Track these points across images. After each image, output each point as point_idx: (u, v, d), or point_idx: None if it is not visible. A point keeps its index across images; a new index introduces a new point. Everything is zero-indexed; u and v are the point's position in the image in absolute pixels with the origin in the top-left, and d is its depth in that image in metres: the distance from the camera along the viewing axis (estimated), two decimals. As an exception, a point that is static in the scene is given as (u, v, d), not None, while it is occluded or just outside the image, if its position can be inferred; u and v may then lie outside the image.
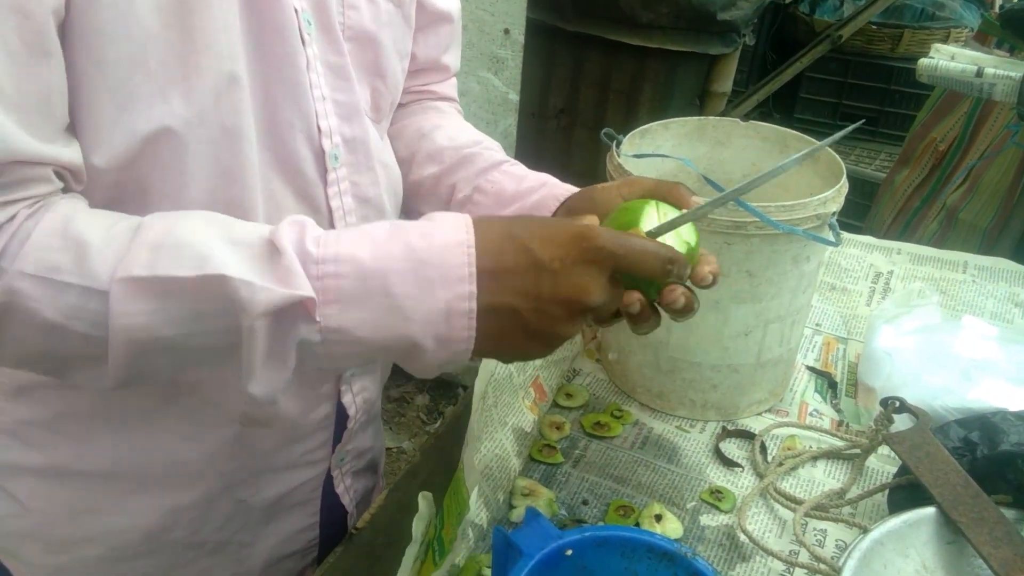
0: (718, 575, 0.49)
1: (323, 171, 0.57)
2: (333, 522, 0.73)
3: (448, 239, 0.45)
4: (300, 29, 0.53)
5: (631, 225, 0.51)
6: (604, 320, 0.51)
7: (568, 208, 0.61)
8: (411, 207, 0.72)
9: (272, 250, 0.44)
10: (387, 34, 0.61)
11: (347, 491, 0.73)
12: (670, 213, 0.53)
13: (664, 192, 0.55)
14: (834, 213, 0.73)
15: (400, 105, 0.76)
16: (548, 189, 0.63)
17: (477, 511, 0.65)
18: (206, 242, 0.44)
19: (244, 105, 0.50)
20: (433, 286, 0.44)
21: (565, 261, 0.45)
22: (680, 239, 0.52)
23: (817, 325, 0.96)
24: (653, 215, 0.52)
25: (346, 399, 0.66)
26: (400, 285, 0.44)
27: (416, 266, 0.44)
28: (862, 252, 1.09)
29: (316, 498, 0.70)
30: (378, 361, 0.51)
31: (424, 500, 0.58)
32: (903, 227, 1.54)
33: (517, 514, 0.67)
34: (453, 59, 0.78)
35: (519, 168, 0.68)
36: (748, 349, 0.77)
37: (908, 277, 1.04)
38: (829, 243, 0.71)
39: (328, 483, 0.70)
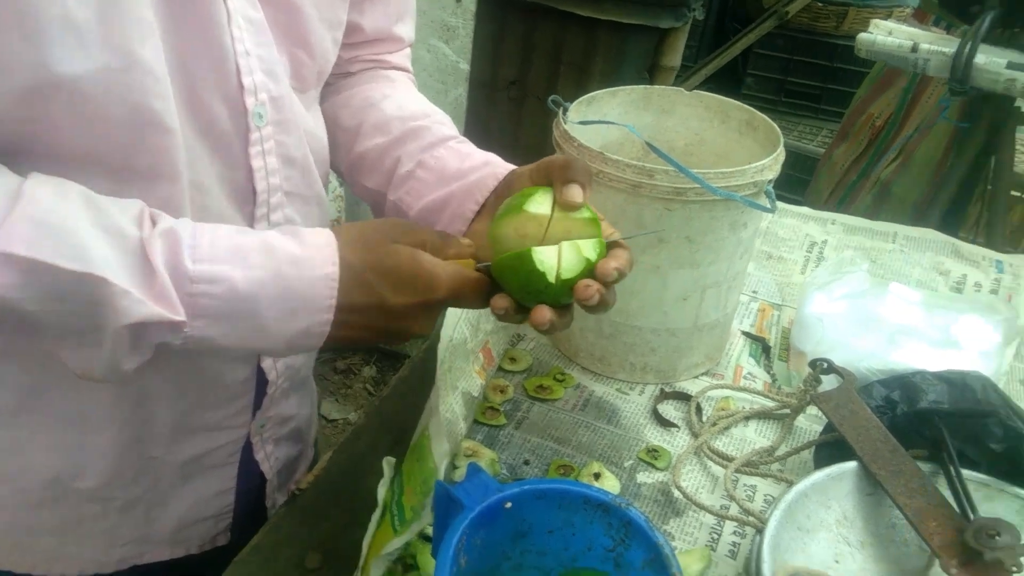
0: (650, 523, 0.51)
1: (244, 129, 0.55)
2: (249, 488, 0.72)
3: (316, 272, 0.50)
4: None
5: (515, 211, 0.55)
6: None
7: (496, 193, 0.63)
8: (354, 179, 0.71)
9: (145, 262, 0.46)
10: (310, 1, 0.60)
11: (267, 458, 0.72)
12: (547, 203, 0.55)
13: (559, 173, 0.57)
14: (770, 181, 0.76)
15: (350, 74, 0.75)
16: (490, 168, 0.64)
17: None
18: (87, 232, 0.44)
19: (161, 52, 0.48)
20: (296, 313, 0.50)
21: (408, 308, 0.52)
22: (580, 255, 0.53)
23: (754, 292, 0.99)
24: (538, 202, 0.55)
25: (266, 364, 0.65)
26: (267, 310, 0.49)
27: (283, 294, 0.49)
28: (798, 222, 1.12)
29: (233, 463, 0.69)
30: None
31: (387, 465, 0.59)
32: (840, 200, 1.59)
33: (460, 473, 0.68)
34: (406, 30, 0.77)
35: (466, 145, 0.68)
36: (686, 314, 0.80)
37: (841, 247, 1.08)
38: (765, 209, 0.74)
39: (247, 449, 0.70)
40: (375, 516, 0.57)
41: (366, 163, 0.69)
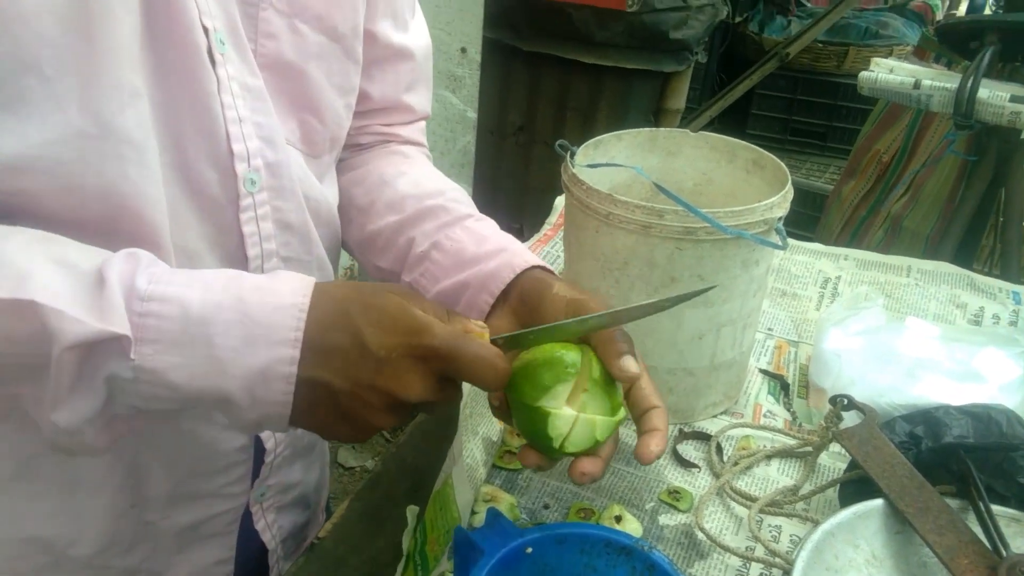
0: (674, 567, 0.50)
1: (234, 195, 0.54)
2: (250, 558, 0.69)
3: (283, 300, 0.45)
4: (211, 49, 0.50)
5: (553, 361, 0.49)
6: (439, 412, 0.51)
7: (520, 293, 0.58)
8: (366, 259, 0.69)
9: (98, 280, 0.43)
10: (317, 67, 0.59)
11: (268, 527, 0.69)
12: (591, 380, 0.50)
13: (601, 340, 0.52)
14: (780, 218, 0.76)
15: (360, 146, 0.73)
16: (507, 257, 0.60)
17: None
18: (32, 263, 0.42)
19: (145, 120, 0.48)
20: (256, 344, 0.43)
21: (392, 351, 0.45)
22: (591, 434, 0.49)
23: (769, 329, 0.98)
24: (572, 362, 0.50)
25: (264, 432, 0.63)
26: (222, 336, 0.43)
27: (242, 319, 0.44)
28: (811, 259, 1.12)
29: (232, 532, 0.66)
30: (194, 408, 0.48)
31: (410, 514, 0.58)
32: (851, 236, 1.59)
33: (479, 519, 0.68)
34: (418, 100, 0.74)
35: (483, 225, 0.64)
36: (702, 352, 0.79)
37: (855, 282, 1.07)
38: (776, 246, 0.74)
39: (248, 517, 0.67)
40: (400, 567, 0.56)
41: (379, 242, 0.66)
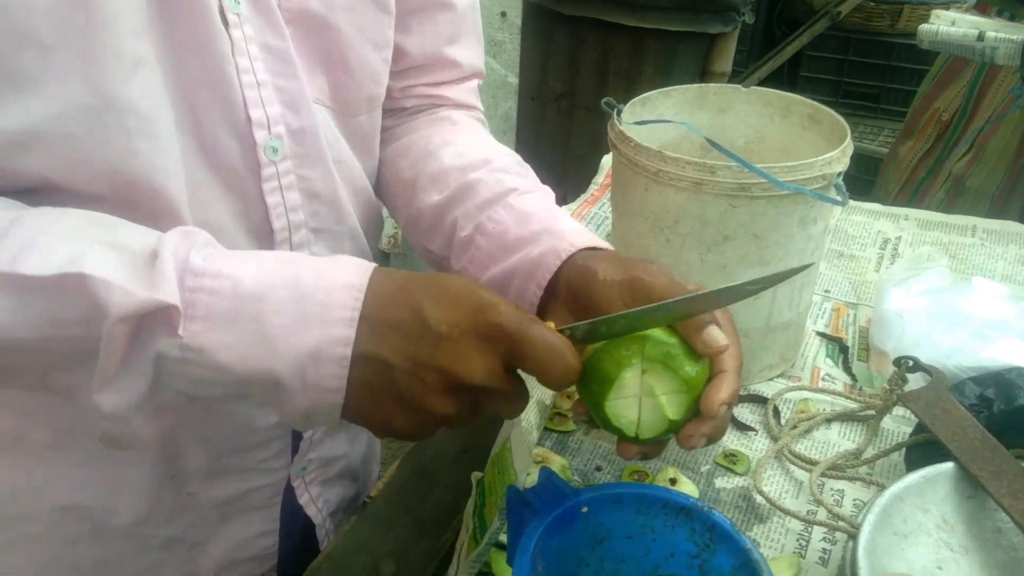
0: (736, 527, 0.48)
1: (255, 164, 0.51)
2: (294, 532, 0.68)
3: (339, 280, 0.43)
4: (222, 9, 0.48)
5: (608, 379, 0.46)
6: (503, 410, 0.46)
7: (568, 284, 0.53)
8: (416, 240, 0.65)
9: (151, 256, 0.41)
10: (347, 19, 0.55)
11: (313, 501, 0.68)
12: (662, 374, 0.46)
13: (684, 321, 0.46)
14: (839, 173, 0.72)
15: (405, 110, 0.69)
16: (551, 241, 0.54)
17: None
18: (82, 242, 0.41)
19: (155, 89, 0.45)
20: (308, 322, 0.41)
21: (453, 327, 0.42)
22: (662, 414, 0.46)
23: (826, 292, 0.95)
24: (635, 375, 0.46)
25: None
26: (274, 314, 0.41)
27: (296, 298, 0.41)
28: (869, 219, 1.08)
29: (274, 505, 0.65)
30: (247, 397, 0.44)
31: (473, 480, 0.58)
32: (909, 198, 1.53)
33: (531, 480, 0.67)
34: (465, 55, 0.68)
35: (528, 200, 0.59)
36: (758, 313, 0.77)
37: (916, 242, 1.03)
38: (836, 202, 0.71)
39: (290, 491, 0.66)
40: (463, 532, 0.56)
41: (424, 223, 0.63)
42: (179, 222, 0.48)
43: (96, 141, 0.44)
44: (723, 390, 0.45)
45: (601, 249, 0.55)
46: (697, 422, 0.47)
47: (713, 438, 0.47)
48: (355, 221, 0.62)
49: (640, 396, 0.45)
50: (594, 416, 0.48)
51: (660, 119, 0.83)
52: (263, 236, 0.54)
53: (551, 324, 0.46)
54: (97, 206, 0.45)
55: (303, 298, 0.41)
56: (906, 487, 0.58)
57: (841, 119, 0.78)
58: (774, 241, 0.72)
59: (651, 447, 0.48)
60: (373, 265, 0.45)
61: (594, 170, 1.17)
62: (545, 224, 0.56)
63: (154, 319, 0.40)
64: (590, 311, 0.50)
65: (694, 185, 0.70)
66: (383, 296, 0.42)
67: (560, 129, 2.34)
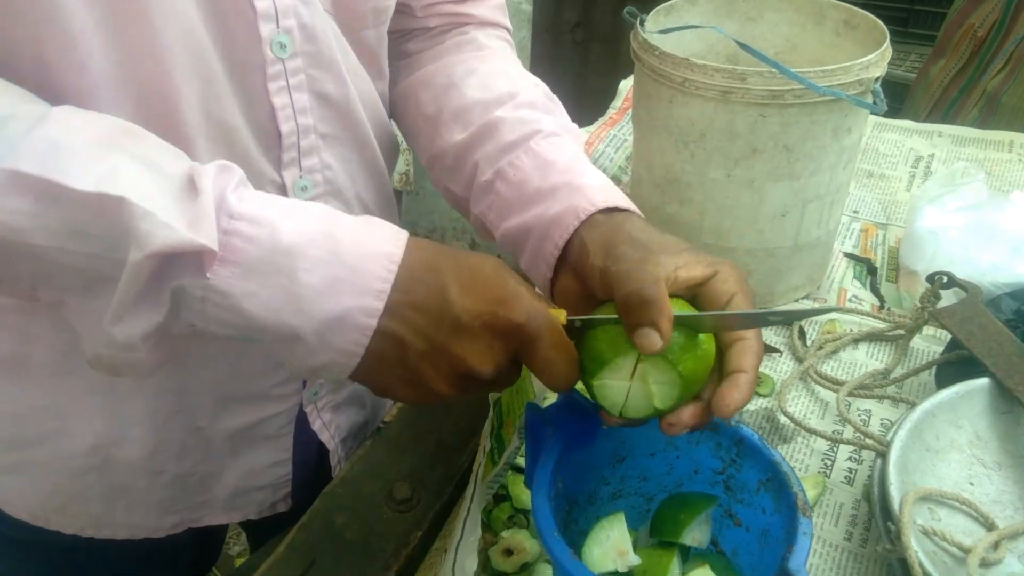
0: (764, 442, 0.46)
1: (260, 60, 0.48)
2: (308, 460, 0.67)
3: (375, 247, 0.41)
4: None
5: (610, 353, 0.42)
6: (497, 389, 0.48)
7: (578, 250, 0.48)
8: (438, 180, 0.61)
9: (189, 187, 0.39)
10: None
11: (326, 427, 0.66)
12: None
13: (632, 311, 0.41)
14: (878, 78, 0.68)
15: (431, 32, 0.64)
16: (573, 197, 0.50)
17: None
18: (115, 156, 0.38)
19: None
20: (340, 288, 0.40)
21: (474, 318, 0.41)
22: (648, 402, 0.42)
23: (855, 212, 0.91)
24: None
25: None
26: (306, 273, 0.40)
27: (331, 260, 0.40)
28: (900, 136, 1.03)
29: (287, 434, 0.63)
30: (258, 341, 0.43)
31: (491, 399, 0.56)
32: (940, 118, 1.47)
33: (550, 402, 0.65)
34: None
35: (552, 145, 0.54)
36: (785, 231, 0.73)
37: (950, 159, 0.98)
38: (874, 108, 0.67)
39: (303, 419, 0.64)
40: (480, 454, 0.54)
41: (447, 163, 0.59)
42: (189, 120, 0.46)
43: (94, 22, 0.41)
44: (739, 393, 0.42)
45: (620, 211, 0.50)
46: (684, 413, 0.43)
47: (697, 428, 0.44)
48: (369, 133, 0.59)
49: (631, 381, 0.43)
50: (581, 380, 0.45)
51: (687, 25, 0.78)
52: (270, 140, 0.51)
53: (563, 313, 0.44)
54: (105, 94, 0.43)
55: (338, 261, 0.40)
56: (939, 403, 0.56)
57: (879, 22, 0.74)
58: (805, 153, 0.69)
59: (631, 423, 0.45)
60: (406, 234, 0.43)
61: (613, 97, 1.11)
62: (567, 177, 0.52)
63: (185, 259, 0.39)
64: (584, 286, 0.48)
65: (722, 94, 0.66)
66: (413, 271, 0.42)
67: (575, 62, 2.26)
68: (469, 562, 0.44)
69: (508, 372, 0.44)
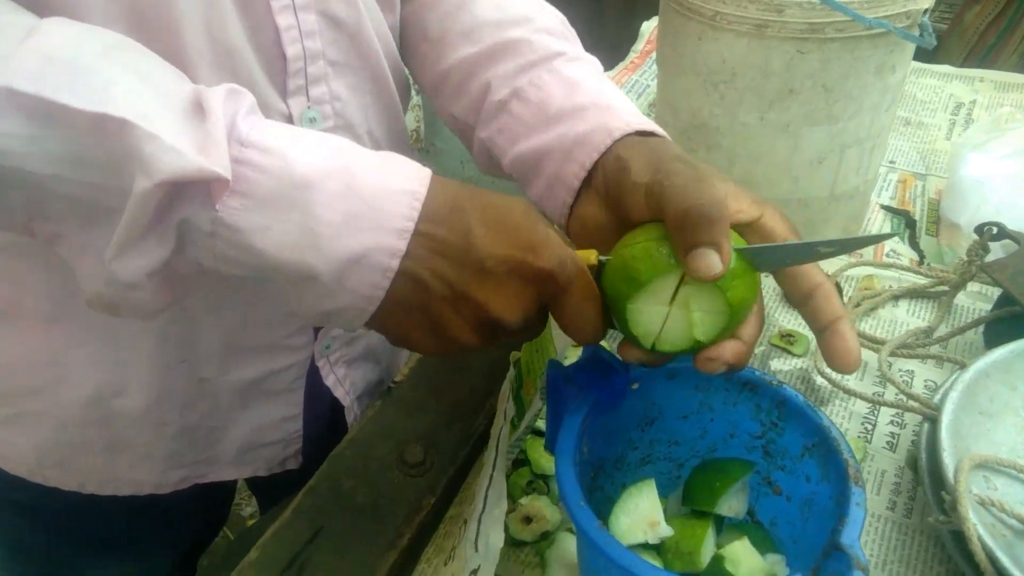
0: (810, 404, 0.42)
1: None
2: (320, 415, 0.64)
3: (396, 183, 0.38)
4: None
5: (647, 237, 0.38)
6: (521, 340, 0.44)
7: (605, 174, 0.44)
8: (440, 104, 0.57)
9: (196, 109, 0.35)
10: None
11: (340, 382, 0.63)
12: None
13: (685, 231, 0.37)
14: (926, 11, 0.63)
15: None
16: (603, 116, 0.46)
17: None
18: (114, 71, 0.35)
19: None
20: (360, 224, 0.36)
21: (500, 263, 0.38)
22: (687, 333, 0.38)
23: (891, 162, 0.86)
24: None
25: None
26: (324, 208, 0.36)
27: (349, 194, 0.36)
28: (940, 82, 0.97)
29: (298, 388, 0.61)
30: (268, 280, 0.39)
31: (512, 359, 0.52)
32: (977, 64, 1.40)
33: (569, 363, 0.62)
34: None
35: (577, 68, 0.51)
36: (822, 180, 0.69)
37: (993, 105, 0.92)
38: (923, 42, 0.61)
39: (315, 372, 0.61)
40: (498, 418, 0.50)
41: (451, 83, 0.54)
42: (189, 40, 0.42)
43: None
44: (852, 340, 0.39)
45: (653, 136, 0.46)
46: (726, 348, 0.38)
47: (735, 368, 0.40)
48: (382, 63, 0.54)
49: (670, 307, 0.38)
50: (611, 309, 0.40)
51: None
52: (276, 65, 0.47)
53: (593, 253, 0.40)
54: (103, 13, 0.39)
55: (357, 196, 0.37)
56: (992, 363, 0.52)
57: (927, -50, 0.68)
58: (846, 93, 0.63)
59: (659, 358, 0.40)
60: (429, 172, 0.39)
61: (631, 42, 1.05)
62: (594, 98, 0.48)
63: (194, 188, 0.35)
64: (620, 214, 0.43)
65: (756, 28, 0.61)
66: (437, 211, 0.38)
67: (589, 11, 2.18)
68: (495, 536, 0.40)
69: (535, 322, 0.40)
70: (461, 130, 0.56)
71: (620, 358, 0.41)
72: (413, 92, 0.71)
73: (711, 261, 0.36)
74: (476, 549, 0.40)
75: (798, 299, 0.41)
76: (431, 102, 0.59)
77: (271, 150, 0.36)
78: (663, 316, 0.38)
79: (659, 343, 0.39)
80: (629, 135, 0.44)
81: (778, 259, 0.39)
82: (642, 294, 0.38)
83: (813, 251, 0.39)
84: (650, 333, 0.38)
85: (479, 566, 0.40)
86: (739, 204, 0.40)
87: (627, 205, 0.42)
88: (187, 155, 0.33)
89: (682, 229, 0.37)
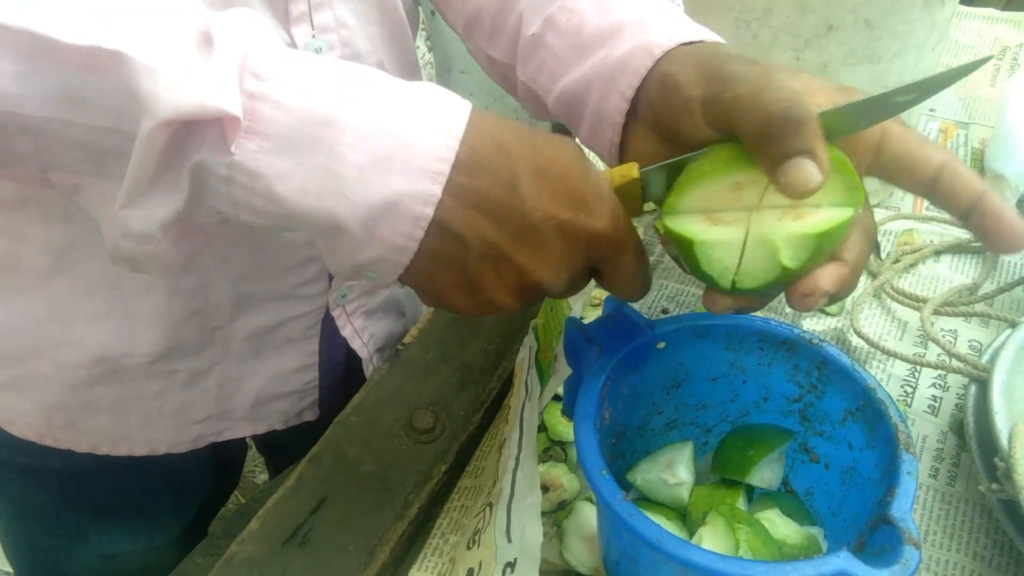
0: (855, 363, 0.39)
1: None
2: (337, 366, 0.62)
3: (432, 119, 0.33)
4: None
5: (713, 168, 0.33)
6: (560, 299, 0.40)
7: (648, 98, 0.39)
8: (479, 49, 0.52)
9: (202, 37, 0.31)
10: None
11: (357, 334, 0.60)
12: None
13: (769, 140, 0.32)
14: (981, -62, 0.57)
15: None
16: (641, 33, 0.40)
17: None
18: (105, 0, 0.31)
19: None
20: (390, 167, 0.32)
21: (548, 219, 0.33)
22: (771, 260, 0.32)
23: (931, 111, 0.81)
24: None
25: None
26: (349, 148, 0.32)
27: (380, 132, 0.32)
28: (984, 25, 0.91)
29: (312, 337, 0.58)
30: (294, 231, 0.36)
31: (532, 326, 0.49)
32: (1021, 7, 1.33)
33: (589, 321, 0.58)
34: None
35: None
36: (859, 127, 0.64)
37: (1042, 50, 0.86)
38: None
39: (331, 321, 0.58)
40: (520, 390, 0.47)
41: (485, 22, 0.50)
42: None
43: None
44: (1009, 209, 0.32)
45: (703, 43, 0.39)
46: (822, 276, 0.33)
47: (839, 296, 0.34)
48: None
49: (747, 232, 0.33)
50: (679, 252, 0.35)
51: None
52: (277, 2, 0.43)
53: (634, 167, 0.35)
54: None
55: (387, 134, 0.32)
56: (1049, 322, 0.48)
57: None
58: (890, 29, 0.58)
59: (750, 300, 0.35)
60: (469, 104, 0.34)
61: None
62: (632, 12, 0.42)
63: (203, 128, 0.31)
64: (677, 143, 0.37)
65: (792, -41, 0.56)
66: (477, 151, 0.33)
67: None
68: (532, 530, 0.36)
69: (580, 284, 0.36)
70: (503, 75, 0.50)
71: (705, 309, 0.36)
72: (425, 48, 0.65)
73: (807, 172, 0.30)
74: (509, 540, 0.37)
75: (923, 187, 0.34)
76: (466, 45, 0.53)
77: (288, 83, 0.31)
78: (739, 247, 0.33)
79: (739, 280, 0.33)
80: (674, 49, 0.38)
81: (849, 124, 0.33)
82: (710, 225, 0.33)
83: (888, 103, 0.32)
84: (727, 270, 0.33)
85: (515, 559, 0.36)
86: (818, 98, 0.34)
87: (682, 129, 0.36)
88: (191, 91, 0.29)
89: (766, 141, 0.31)
